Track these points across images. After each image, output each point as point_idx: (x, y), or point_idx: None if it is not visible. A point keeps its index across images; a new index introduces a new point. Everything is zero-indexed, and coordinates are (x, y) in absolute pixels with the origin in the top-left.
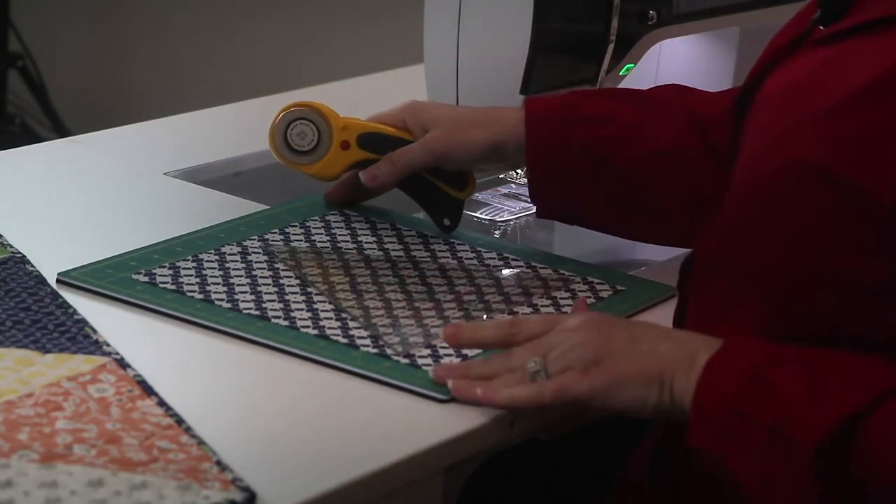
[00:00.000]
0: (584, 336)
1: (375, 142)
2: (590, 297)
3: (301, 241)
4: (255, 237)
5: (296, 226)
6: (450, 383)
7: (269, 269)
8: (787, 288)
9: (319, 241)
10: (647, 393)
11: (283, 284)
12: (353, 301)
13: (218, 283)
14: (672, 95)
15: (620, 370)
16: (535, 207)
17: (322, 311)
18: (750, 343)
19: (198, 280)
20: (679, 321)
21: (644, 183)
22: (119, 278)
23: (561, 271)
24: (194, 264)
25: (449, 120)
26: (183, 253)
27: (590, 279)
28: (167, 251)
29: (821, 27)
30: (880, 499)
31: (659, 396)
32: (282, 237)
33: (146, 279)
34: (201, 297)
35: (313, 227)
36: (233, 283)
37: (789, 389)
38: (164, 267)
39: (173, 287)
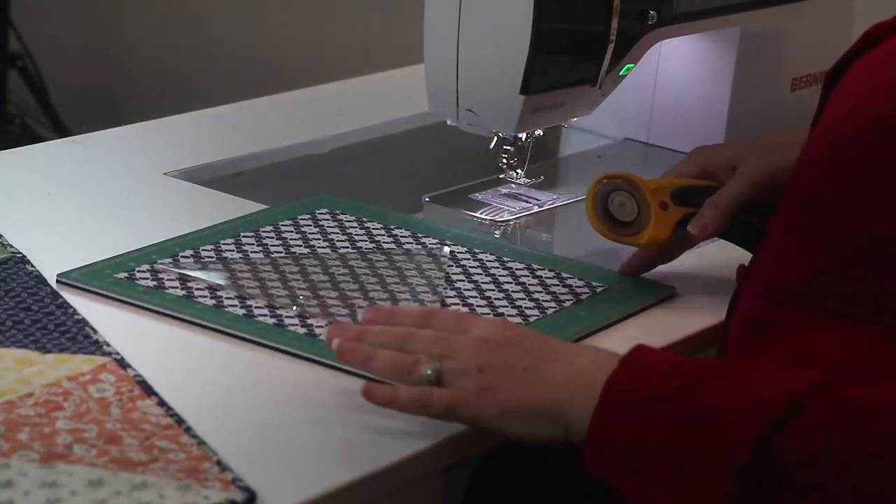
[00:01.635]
0: (484, 358)
1: (690, 195)
2: (570, 298)
3: (298, 240)
4: (251, 233)
5: (288, 224)
6: (334, 343)
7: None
8: (843, 247)
9: (315, 242)
10: (539, 426)
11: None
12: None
13: (219, 279)
14: None
15: (512, 400)
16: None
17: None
18: (646, 366)
19: (196, 276)
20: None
21: None
22: (118, 280)
23: (542, 269)
24: (197, 264)
25: (758, 150)
26: (183, 248)
27: (580, 279)
28: (166, 251)
29: None
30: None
31: (552, 429)
32: (277, 235)
33: (149, 277)
34: (201, 297)
35: (304, 226)
36: (229, 282)
37: (697, 414)
38: (167, 263)
39: (176, 286)
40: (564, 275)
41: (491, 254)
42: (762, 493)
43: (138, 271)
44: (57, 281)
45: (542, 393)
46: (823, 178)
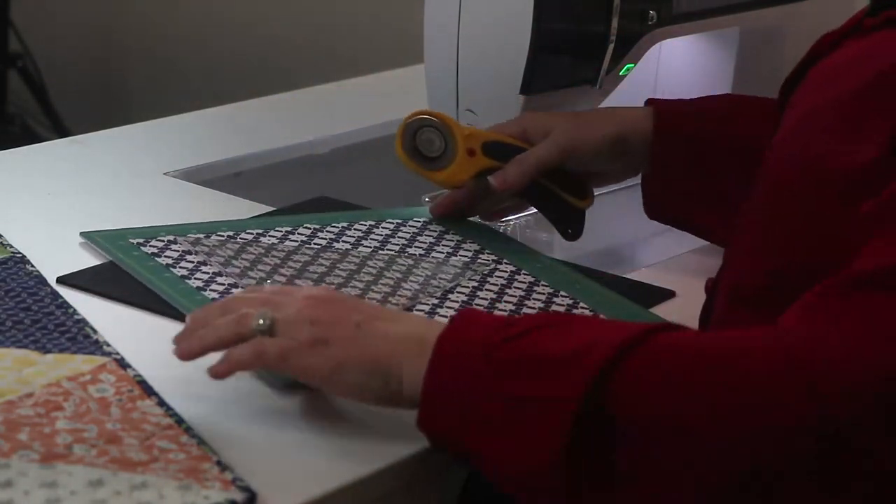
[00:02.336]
0: (315, 311)
1: (500, 150)
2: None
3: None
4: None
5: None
6: (174, 350)
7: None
8: (792, 262)
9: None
10: (370, 380)
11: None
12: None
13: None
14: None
15: (345, 354)
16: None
17: None
18: (477, 317)
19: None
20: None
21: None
22: (129, 245)
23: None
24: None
25: (571, 117)
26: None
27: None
28: (206, 227)
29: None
30: (629, 440)
31: (383, 384)
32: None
33: (157, 250)
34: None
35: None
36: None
37: (530, 358)
38: (189, 239)
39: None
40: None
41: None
42: (595, 435)
43: (157, 239)
44: (57, 281)
45: (376, 349)
46: (773, 202)
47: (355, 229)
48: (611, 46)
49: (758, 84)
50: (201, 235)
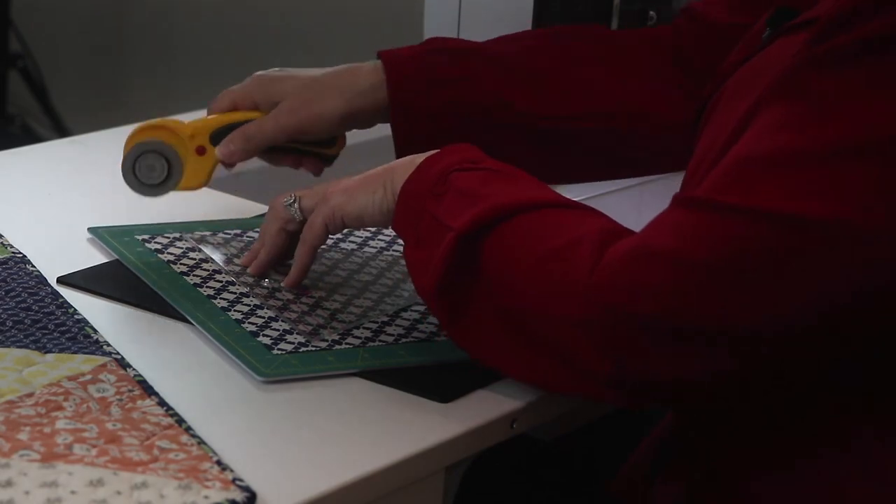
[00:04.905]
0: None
1: (228, 134)
2: None
3: None
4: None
5: None
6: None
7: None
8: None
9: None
10: (374, 192)
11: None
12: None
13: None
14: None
15: (355, 181)
16: None
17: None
18: (459, 150)
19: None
20: None
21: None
22: (132, 241)
23: None
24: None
25: (297, 91)
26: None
27: None
28: (214, 226)
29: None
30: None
31: (383, 194)
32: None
33: (162, 247)
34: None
35: None
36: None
37: (458, 190)
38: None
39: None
40: None
41: None
42: (463, 275)
43: (163, 236)
44: (57, 281)
45: (380, 172)
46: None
47: (364, 230)
48: None
49: None
50: (207, 233)
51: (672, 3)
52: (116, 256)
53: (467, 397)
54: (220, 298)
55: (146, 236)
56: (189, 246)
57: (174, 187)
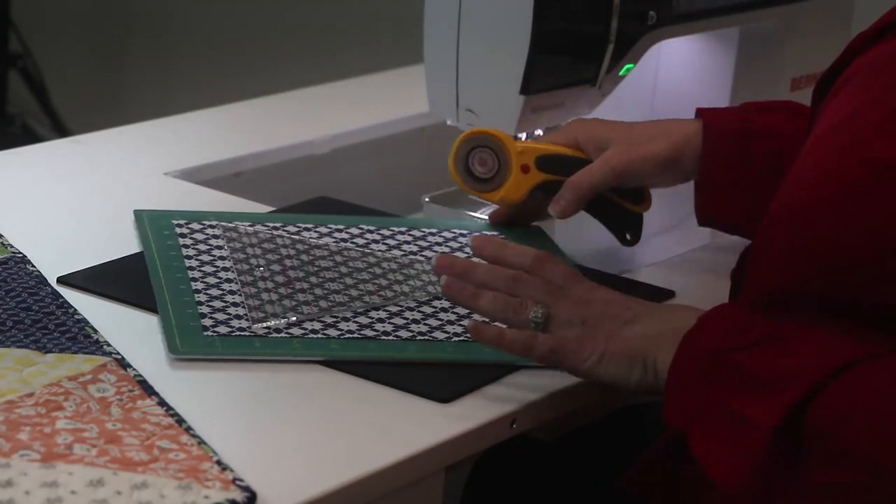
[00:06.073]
0: (586, 310)
1: (554, 163)
2: None
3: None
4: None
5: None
6: (443, 279)
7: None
8: (829, 267)
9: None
10: (631, 371)
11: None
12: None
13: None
14: None
15: (611, 346)
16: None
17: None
18: (722, 318)
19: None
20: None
21: None
22: (165, 226)
23: None
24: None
25: (625, 136)
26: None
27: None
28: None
29: None
30: (825, 470)
31: (642, 374)
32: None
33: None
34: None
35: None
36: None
37: (749, 373)
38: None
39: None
40: None
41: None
42: (785, 454)
43: (199, 223)
44: (57, 281)
45: (638, 341)
46: (815, 206)
47: (408, 234)
48: (610, 47)
49: (758, 84)
50: (246, 223)
51: (672, 3)
52: (142, 243)
53: (467, 397)
54: (201, 281)
55: (183, 220)
56: (215, 233)
57: (497, 189)
